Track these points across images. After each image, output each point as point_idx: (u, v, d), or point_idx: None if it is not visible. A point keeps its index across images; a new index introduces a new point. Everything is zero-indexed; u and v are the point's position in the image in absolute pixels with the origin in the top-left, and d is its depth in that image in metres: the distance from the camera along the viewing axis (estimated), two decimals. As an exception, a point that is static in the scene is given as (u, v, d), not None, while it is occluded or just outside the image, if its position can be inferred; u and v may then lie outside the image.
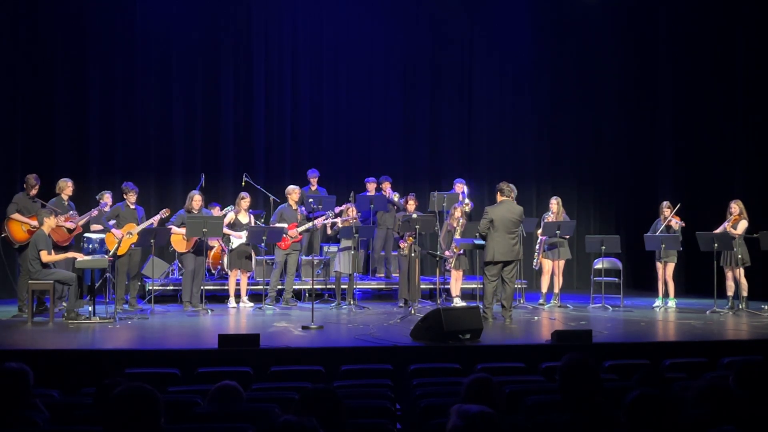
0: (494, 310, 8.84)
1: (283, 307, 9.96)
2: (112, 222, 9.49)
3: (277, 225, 10.07)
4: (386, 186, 11.35)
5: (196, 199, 9.69)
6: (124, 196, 9.62)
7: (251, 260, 10.19)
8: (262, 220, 11.01)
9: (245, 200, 10.21)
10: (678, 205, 10.43)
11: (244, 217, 10.18)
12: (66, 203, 9.44)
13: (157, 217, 9.68)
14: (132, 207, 9.62)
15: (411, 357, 6.55)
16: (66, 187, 9.49)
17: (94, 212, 9.60)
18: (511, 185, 8.97)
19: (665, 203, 10.49)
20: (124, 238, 9.28)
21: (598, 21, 13.27)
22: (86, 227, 10.00)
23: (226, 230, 9.94)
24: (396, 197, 11.29)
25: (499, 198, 8.89)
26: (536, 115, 13.37)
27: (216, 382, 4.01)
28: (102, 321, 8.47)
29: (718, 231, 10.05)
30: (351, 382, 5.11)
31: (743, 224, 9.97)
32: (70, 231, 9.30)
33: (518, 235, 8.84)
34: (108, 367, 5.91)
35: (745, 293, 9.96)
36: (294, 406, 2.95)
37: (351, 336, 7.71)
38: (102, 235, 9.73)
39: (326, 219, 10.34)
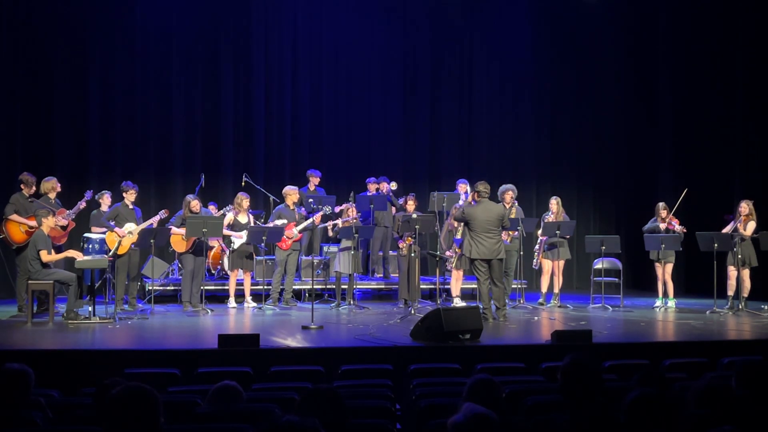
0: (493, 310, 8.84)
1: (283, 307, 9.96)
2: (112, 222, 9.47)
3: (277, 224, 10.05)
4: (383, 186, 11.33)
5: (194, 204, 9.68)
6: (123, 195, 9.58)
7: (252, 260, 10.18)
8: (262, 220, 11.00)
9: (245, 201, 10.19)
10: (685, 191, 10.40)
11: (244, 218, 10.16)
12: (53, 201, 9.39)
13: (156, 218, 9.67)
14: (130, 207, 9.59)
15: (411, 357, 6.55)
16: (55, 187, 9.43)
17: (82, 204, 9.53)
18: (486, 184, 8.96)
19: (661, 204, 10.48)
20: (125, 237, 9.28)
21: (597, 21, 13.27)
22: (86, 227, 9.99)
23: (225, 231, 9.92)
24: (393, 185, 11.26)
25: (476, 198, 8.90)
26: (536, 115, 13.37)
27: (216, 382, 4.01)
28: (102, 321, 8.46)
29: (726, 230, 10.02)
30: (351, 382, 5.11)
31: (752, 225, 9.94)
32: (63, 228, 9.27)
33: (498, 234, 8.84)
34: (108, 367, 5.91)
35: (746, 294, 9.95)
36: (296, 405, 2.95)
37: (351, 336, 7.72)
38: (102, 235, 9.72)
39: (327, 221, 10.29)
